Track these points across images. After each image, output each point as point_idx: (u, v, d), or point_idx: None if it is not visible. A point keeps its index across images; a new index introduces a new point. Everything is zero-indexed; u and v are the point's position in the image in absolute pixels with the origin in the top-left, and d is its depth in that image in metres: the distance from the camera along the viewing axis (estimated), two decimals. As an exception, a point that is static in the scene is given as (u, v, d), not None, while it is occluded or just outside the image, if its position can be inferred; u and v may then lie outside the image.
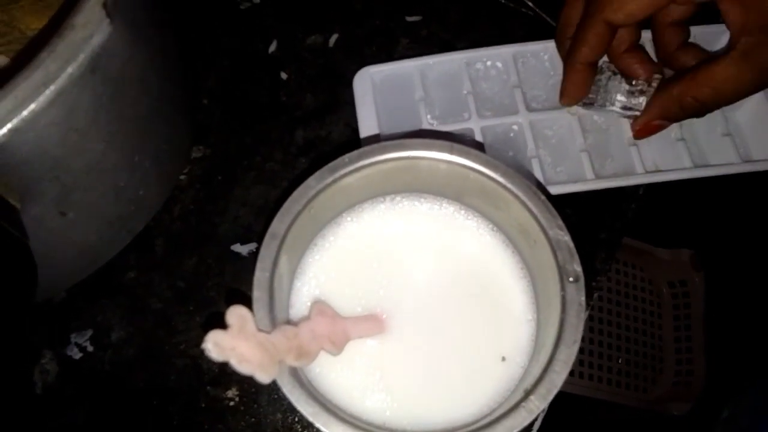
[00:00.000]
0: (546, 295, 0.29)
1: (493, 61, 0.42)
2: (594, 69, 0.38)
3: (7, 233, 0.27)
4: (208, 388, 0.38)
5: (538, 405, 0.25)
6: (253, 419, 0.37)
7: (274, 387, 0.38)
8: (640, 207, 0.43)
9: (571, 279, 0.28)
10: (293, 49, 0.46)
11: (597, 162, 0.39)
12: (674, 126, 0.39)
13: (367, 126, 0.39)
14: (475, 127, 0.39)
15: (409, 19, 0.47)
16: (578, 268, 0.28)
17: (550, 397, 0.26)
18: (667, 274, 0.98)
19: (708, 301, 0.94)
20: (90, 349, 0.38)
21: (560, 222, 0.28)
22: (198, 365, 0.38)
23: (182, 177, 0.42)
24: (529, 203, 0.29)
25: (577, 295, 0.27)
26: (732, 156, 0.39)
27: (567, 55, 0.38)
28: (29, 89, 0.24)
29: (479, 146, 0.39)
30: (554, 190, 0.37)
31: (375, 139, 0.39)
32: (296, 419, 0.37)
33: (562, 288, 0.27)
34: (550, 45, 0.42)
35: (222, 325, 0.24)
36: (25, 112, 0.24)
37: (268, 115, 0.45)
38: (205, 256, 0.41)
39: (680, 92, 0.35)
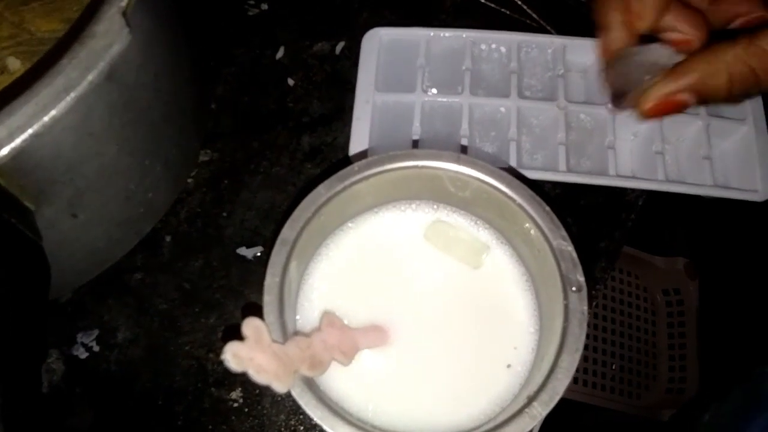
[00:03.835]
0: (549, 304, 0.29)
1: (498, 44, 0.44)
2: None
3: (22, 234, 0.28)
4: (213, 389, 0.38)
5: (540, 411, 0.26)
6: (256, 421, 0.37)
7: (277, 389, 0.38)
8: (639, 217, 0.44)
9: (573, 288, 0.28)
10: (300, 56, 0.47)
11: (573, 158, 0.41)
12: (656, 139, 0.40)
13: (364, 81, 0.41)
14: (465, 102, 0.41)
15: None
16: (581, 278, 0.28)
17: (553, 404, 0.26)
18: (662, 282, 0.99)
19: (702, 309, 0.95)
20: (96, 348, 0.39)
21: (564, 233, 0.29)
22: (203, 366, 0.39)
23: (190, 180, 0.43)
24: (533, 214, 0.29)
25: (580, 305, 0.28)
26: (707, 178, 0.40)
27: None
28: (50, 95, 0.25)
29: (464, 151, 0.40)
30: (526, 174, 0.38)
31: (369, 95, 0.41)
32: (299, 421, 0.37)
33: (565, 297, 0.28)
34: (556, 40, 0.43)
35: (239, 337, 0.24)
36: (46, 118, 0.25)
37: (275, 120, 0.45)
38: (211, 258, 0.41)
39: (736, 57, 0.26)
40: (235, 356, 0.23)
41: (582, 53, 0.43)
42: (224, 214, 0.42)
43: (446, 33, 0.43)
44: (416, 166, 0.31)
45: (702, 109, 0.41)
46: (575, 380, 0.88)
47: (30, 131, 0.24)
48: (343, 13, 0.49)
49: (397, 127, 0.41)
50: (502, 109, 0.41)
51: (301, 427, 0.37)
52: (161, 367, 0.38)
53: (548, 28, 0.47)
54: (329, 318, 0.28)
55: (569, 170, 0.39)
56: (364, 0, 0.49)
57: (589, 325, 0.89)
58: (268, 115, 0.45)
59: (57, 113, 0.25)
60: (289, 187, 0.43)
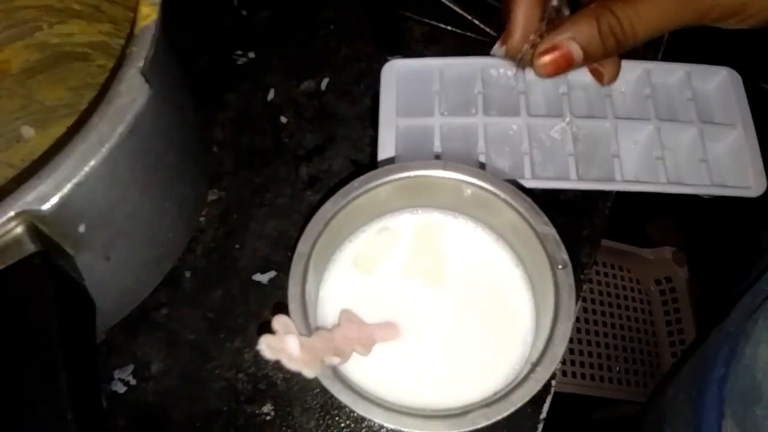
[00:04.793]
0: (541, 283, 0.33)
1: (505, 69, 0.47)
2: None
3: (69, 276, 0.31)
4: (245, 406, 0.41)
5: (544, 374, 0.29)
6: (290, 430, 0.40)
7: (305, 398, 0.41)
8: (616, 205, 0.48)
9: (560, 266, 0.32)
10: (289, 95, 0.51)
11: (582, 167, 0.44)
12: (655, 146, 0.44)
13: (387, 109, 0.45)
14: (480, 122, 0.45)
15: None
16: (565, 256, 0.32)
17: (553, 367, 0.30)
18: (653, 272, 1.03)
19: (695, 293, 0.99)
20: (133, 382, 0.42)
21: (546, 219, 0.33)
22: (233, 386, 0.42)
23: (201, 219, 0.46)
24: (517, 206, 0.33)
25: (567, 279, 0.32)
26: (704, 179, 0.44)
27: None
28: (88, 149, 0.28)
29: (482, 167, 0.43)
30: (540, 184, 0.42)
31: (392, 120, 0.45)
32: (329, 426, 0.40)
33: (554, 274, 0.32)
34: None
35: (270, 332, 0.28)
36: (86, 169, 0.28)
37: (273, 156, 0.49)
38: (229, 287, 0.45)
39: (601, 13, 0.32)
40: (268, 346, 0.27)
41: (582, 72, 0.46)
42: (237, 246, 0.46)
43: (457, 61, 0.47)
44: (409, 176, 0.34)
45: (695, 117, 0.45)
46: (583, 376, 0.91)
47: (74, 181, 0.28)
48: (324, 53, 0.53)
49: (419, 148, 0.44)
50: (514, 127, 0.45)
51: (332, 431, 0.40)
52: (195, 391, 0.41)
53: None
54: (347, 315, 0.32)
55: (579, 178, 0.43)
56: (340, 39, 0.54)
57: (589, 322, 0.93)
58: (266, 151, 0.49)
59: (95, 163, 0.28)
60: (294, 214, 0.47)
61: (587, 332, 0.95)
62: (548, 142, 0.46)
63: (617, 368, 0.95)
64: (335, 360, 0.29)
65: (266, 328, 0.28)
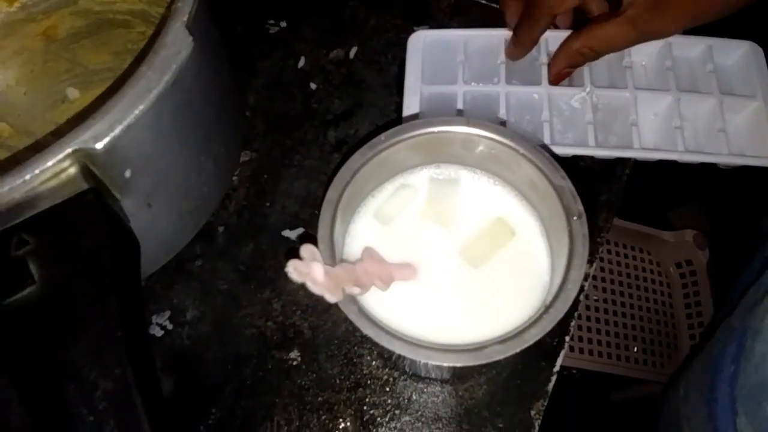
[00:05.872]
0: (556, 232, 0.35)
1: None
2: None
3: (117, 215, 0.34)
4: (274, 351, 0.44)
5: (556, 315, 0.31)
6: (315, 375, 0.43)
7: (330, 347, 0.44)
8: (638, 190, 0.49)
9: (575, 217, 0.34)
10: (319, 63, 0.54)
11: (601, 134, 0.45)
12: (674, 116, 0.45)
13: (412, 76, 0.47)
14: (502, 90, 0.46)
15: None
16: (580, 207, 0.34)
17: (565, 309, 0.31)
18: (673, 255, 1.03)
19: (715, 276, 0.99)
20: (169, 327, 0.44)
21: (563, 172, 0.35)
22: (263, 333, 0.44)
23: (234, 178, 0.49)
24: (535, 160, 0.35)
25: (581, 229, 0.33)
26: (723, 148, 0.45)
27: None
28: (137, 94, 0.31)
29: (504, 125, 0.45)
30: (559, 150, 0.44)
31: (417, 88, 0.46)
32: (351, 371, 0.43)
33: (569, 224, 0.33)
34: None
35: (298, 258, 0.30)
36: (136, 112, 0.31)
37: (303, 120, 0.51)
38: (260, 242, 0.47)
39: (581, 45, 0.45)
40: (295, 269, 0.29)
41: None
42: (267, 204, 0.48)
43: (481, 32, 0.49)
44: (432, 132, 0.36)
45: (715, 89, 0.46)
46: (600, 353, 0.92)
47: (125, 123, 0.30)
48: (353, 23, 0.55)
49: (442, 114, 0.46)
50: (535, 96, 0.46)
51: (354, 377, 0.43)
52: (227, 337, 0.44)
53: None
54: (369, 251, 0.34)
55: (598, 145, 0.44)
56: (369, 10, 0.56)
57: (607, 301, 0.94)
58: (296, 116, 0.52)
59: (143, 107, 0.31)
60: (321, 175, 0.49)
61: (606, 312, 0.96)
62: (568, 111, 0.47)
63: (635, 348, 0.96)
64: (356, 290, 0.31)
65: (294, 255, 0.30)
